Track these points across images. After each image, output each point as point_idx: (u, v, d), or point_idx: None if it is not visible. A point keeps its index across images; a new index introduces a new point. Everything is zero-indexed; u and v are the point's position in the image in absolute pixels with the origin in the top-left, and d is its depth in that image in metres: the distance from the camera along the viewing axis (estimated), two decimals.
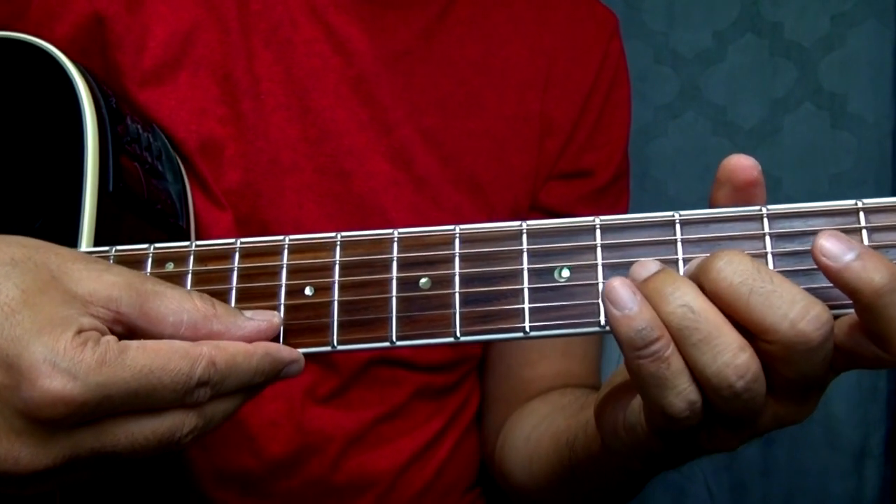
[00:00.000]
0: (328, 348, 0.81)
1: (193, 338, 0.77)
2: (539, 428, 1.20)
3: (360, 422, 1.22)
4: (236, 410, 0.80)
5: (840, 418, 1.93)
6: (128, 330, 0.75)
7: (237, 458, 1.16)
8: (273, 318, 0.81)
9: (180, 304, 0.77)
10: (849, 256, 0.70)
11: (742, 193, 0.80)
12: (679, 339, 0.72)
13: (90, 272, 0.75)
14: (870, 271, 0.69)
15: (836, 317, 0.74)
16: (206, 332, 0.77)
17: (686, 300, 0.72)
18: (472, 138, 1.24)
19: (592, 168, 1.33)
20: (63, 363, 0.69)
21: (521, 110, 1.27)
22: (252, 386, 0.79)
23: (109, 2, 1.11)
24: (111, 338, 0.73)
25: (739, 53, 1.94)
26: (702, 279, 0.73)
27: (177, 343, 0.75)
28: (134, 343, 0.73)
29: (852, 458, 1.94)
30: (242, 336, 0.79)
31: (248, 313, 0.81)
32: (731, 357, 0.72)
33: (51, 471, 0.72)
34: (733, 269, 0.72)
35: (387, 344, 0.80)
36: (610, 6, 1.44)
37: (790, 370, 0.73)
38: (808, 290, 0.74)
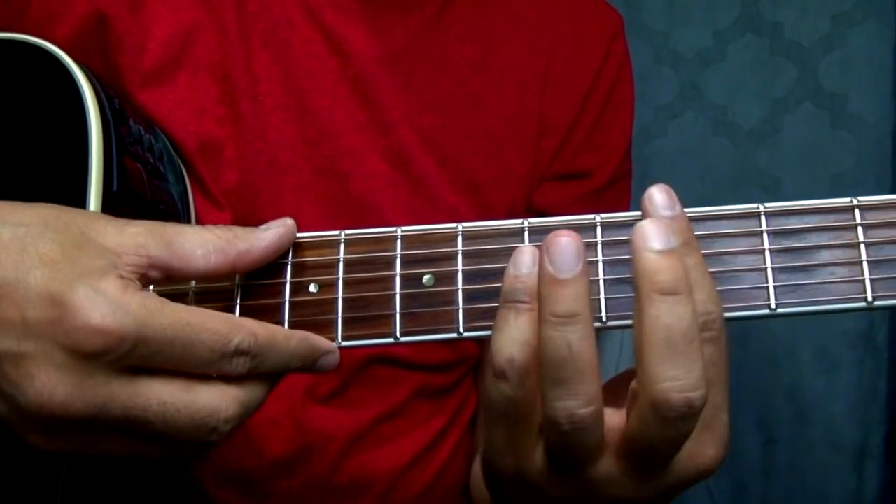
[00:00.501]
0: (333, 345, 0.82)
1: (225, 262, 0.79)
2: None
3: (361, 421, 1.22)
4: (265, 399, 0.80)
5: (840, 418, 1.94)
6: (163, 272, 0.77)
7: (237, 458, 1.16)
8: (287, 222, 0.83)
9: (202, 235, 0.79)
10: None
11: None
12: (542, 363, 0.71)
13: (114, 227, 0.77)
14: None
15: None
16: (235, 252, 0.80)
17: (570, 337, 0.71)
18: (470, 138, 1.24)
19: (590, 169, 1.32)
20: (105, 300, 0.71)
21: (520, 110, 1.27)
22: (287, 371, 0.80)
23: (111, 2, 1.11)
24: (153, 292, 0.75)
25: (739, 53, 1.95)
26: (643, 283, 0.71)
27: (220, 313, 0.76)
28: (176, 304, 0.75)
29: (852, 458, 1.95)
30: (268, 245, 0.81)
31: (264, 226, 0.83)
32: (575, 406, 0.71)
33: (80, 422, 0.73)
34: (673, 309, 0.70)
35: (391, 340, 0.80)
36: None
37: (639, 425, 0.72)
38: (806, 286, 0.75)
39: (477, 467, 1.25)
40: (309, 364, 0.81)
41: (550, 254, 0.71)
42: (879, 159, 1.93)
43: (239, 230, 0.81)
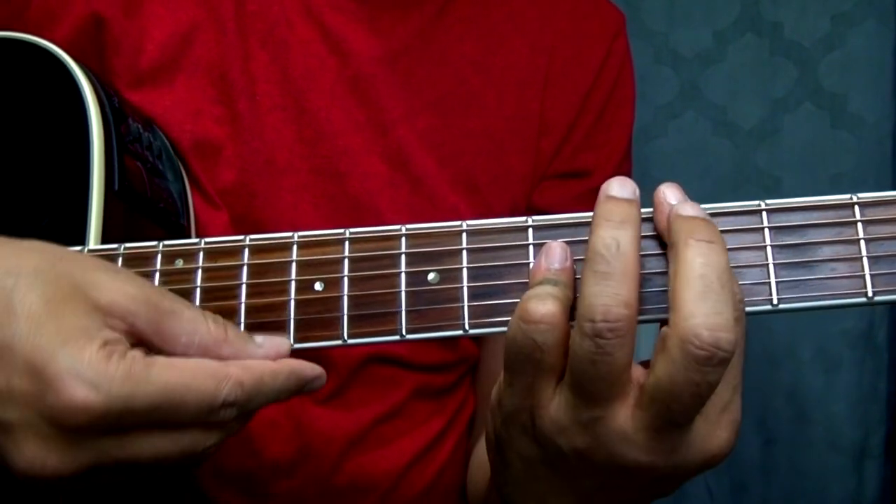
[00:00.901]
0: (339, 342, 0.81)
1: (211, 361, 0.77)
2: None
3: (360, 422, 1.22)
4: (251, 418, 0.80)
5: (840, 418, 1.94)
6: (140, 342, 0.75)
7: (237, 459, 1.16)
8: (282, 346, 0.81)
9: (194, 325, 0.77)
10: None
11: None
12: (588, 259, 0.74)
13: (113, 283, 0.75)
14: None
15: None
16: (216, 356, 0.77)
17: (619, 236, 0.74)
18: (470, 138, 1.24)
19: (590, 168, 1.31)
20: (88, 373, 0.70)
21: (521, 110, 1.27)
22: (275, 402, 0.80)
23: (108, 4, 1.11)
24: (138, 353, 0.73)
25: (739, 53, 1.95)
26: (679, 235, 0.75)
27: (205, 362, 0.75)
28: (161, 359, 0.74)
29: (852, 458, 1.95)
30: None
31: (259, 339, 0.81)
32: (612, 302, 0.72)
33: (75, 476, 0.73)
34: (708, 253, 0.73)
35: (397, 338, 0.80)
36: None
37: (664, 367, 0.72)
38: (807, 282, 0.75)
39: (476, 462, 1.25)
40: (296, 393, 0.80)
41: (607, 185, 0.77)
42: (879, 159, 1.94)
43: (233, 334, 0.79)
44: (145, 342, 0.75)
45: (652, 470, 0.78)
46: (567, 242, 0.80)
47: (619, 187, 0.77)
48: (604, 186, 0.77)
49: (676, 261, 0.74)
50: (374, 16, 1.18)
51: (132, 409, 0.71)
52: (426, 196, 1.19)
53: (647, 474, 0.79)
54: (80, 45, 1.09)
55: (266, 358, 0.79)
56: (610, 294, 0.73)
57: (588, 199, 1.28)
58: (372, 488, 1.22)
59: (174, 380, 0.72)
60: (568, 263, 0.78)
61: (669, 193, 0.79)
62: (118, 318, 0.74)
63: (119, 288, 0.75)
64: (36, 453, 0.71)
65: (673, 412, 0.75)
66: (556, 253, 0.78)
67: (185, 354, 0.76)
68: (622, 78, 1.33)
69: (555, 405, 0.78)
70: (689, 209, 0.77)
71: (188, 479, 1.14)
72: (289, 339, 0.82)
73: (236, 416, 0.76)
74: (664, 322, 0.74)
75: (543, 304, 0.75)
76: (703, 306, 0.71)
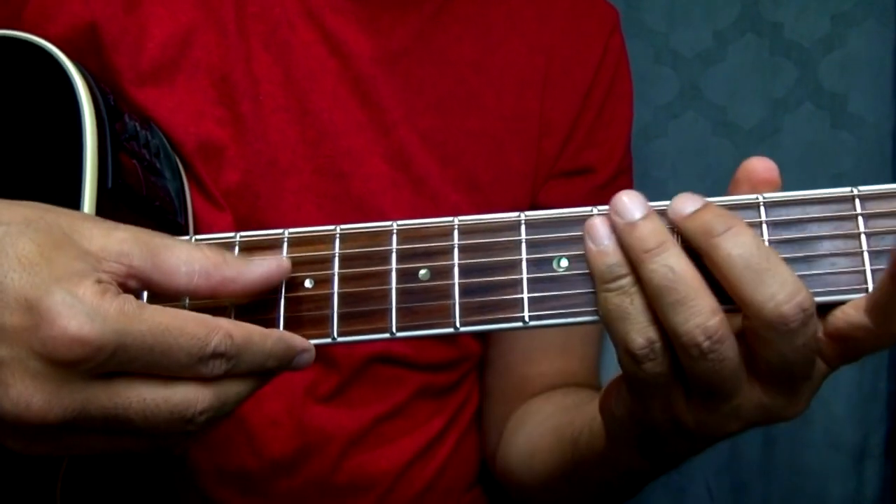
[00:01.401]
0: (328, 340, 0.81)
1: (207, 286, 0.78)
2: (543, 425, 1.21)
3: (361, 421, 1.22)
4: (248, 396, 0.80)
5: (840, 418, 1.93)
6: (142, 284, 0.77)
7: (237, 457, 1.16)
8: (282, 262, 0.82)
9: (190, 254, 0.78)
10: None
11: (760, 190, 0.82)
12: (655, 297, 0.75)
13: (100, 229, 0.76)
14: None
15: (826, 306, 0.76)
16: (219, 278, 0.79)
17: (669, 261, 0.75)
18: (470, 138, 1.24)
19: (593, 165, 1.32)
20: (82, 306, 0.70)
21: (520, 110, 1.27)
22: (264, 371, 0.80)
23: (105, 4, 1.11)
24: (130, 296, 0.73)
25: (739, 53, 1.94)
26: (700, 240, 0.77)
27: (195, 313, 0.76)
28: (153, 304, 0.74)
29: (852, 458, 1.94)
30: (254, 279, 0.80)
31: (257, 259, 0.82)
32: (703, 319, 0.74)
33: (60, 426, 0.72)
34: (735, 241, 0.74)
35: (387, 335, 0.80)
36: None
37: (769, 351, 0.75)
38: (807, 277, 0.75)
39: (525, 451, 1.25)
40: (285, 363, 0.80)
41: (618, 210, 0.78)
42: (879, 159, 1.93)
43: (230, 257, 0.80)
44: (148, 280, 0.76)
45: (801, 405, 0.82)
46: (561, 237, 0.80)
47: (633, 206, 0.78)
48: (616, 207, 0.78)
49: (714, 264, 0.76)
50: (373, 16, 1.18)
51: (125, 346, 0.71)
52: (428, 196, 1.20)
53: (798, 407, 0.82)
54: (76, 44, 1.10)
55: (267, 272, 0.81)
56: (696, 313, 0.74)
57: (593, 196, 1.31)
58: (372, 487, 1.22)
59: (167, 321, 0.73)
60: (614, 236, 0.78)
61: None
62: (113, 260, 0.75)
63: (108, 233, 0.76)
64: (22, 391, 0.71)
65: (797, 374, 0.78)
66: (597, 231, 0.79)
67: (188, 285, 0.77)
68: (619, 74, 1.34)
69: (693, 412, 0.81)
70: (687, 204, 0.80)
71: (184, 478, 1.14)
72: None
73: (225, 371, 0.76)
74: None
75: (642, 337, 0.77)
76: (767, 288, 0.74)
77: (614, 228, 0.78)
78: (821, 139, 1.93)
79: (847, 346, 0.78)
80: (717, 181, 1.96)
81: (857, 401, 1.92)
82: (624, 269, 0.77)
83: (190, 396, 0.75)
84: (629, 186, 1.39)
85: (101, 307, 0.71)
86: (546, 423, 1.20)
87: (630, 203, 0.78)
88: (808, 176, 1.94)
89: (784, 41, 1.93)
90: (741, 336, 0.77)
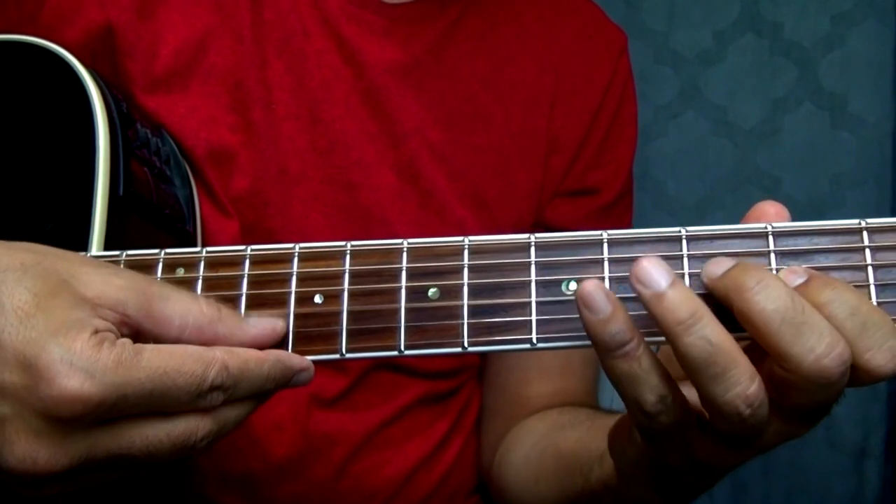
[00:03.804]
0: (337, 356, 0.81)
1: (198, 341, 0.77)
2: (539, 446, 1.21)
3: (366, 426, 1.22)
4: (248, 415, 0.80)
5: (840, 418, 1.94)
6: (134, 332, 0.76)
7: (242, 462, 1.16)
8: (277, 325, 0.82)
9: (186, 307, 0.78)
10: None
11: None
12: (694, 370, 0.73)
13: (98, 276, 0.76)
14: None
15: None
16: (211, 335, 0.78)
17: (704, 332, 0.72)
18: (477, 154, 1.24)
19: (598, 186, 1.32)
20: (80, 362, 0.70)
21: (528, 127, 1.27)
22: (263, 392, 0.80)
23: (121, 9, 1.11)
24: (127, 340, 0.73)
25: (739, 53, 1.95)
26: (731, 295, 0.74)
27: (191, 347, 0.75)
28: (149, 346, 0.74)
29: (852, 458, 1.95)
30: (246, 341, 0.80)
31: (253, 319, 0.81)
32: (743, 389, 0.72)
33: (67, 472, 0.73)
34: (767, 294, 0.71)
35: (395, 353, 0.80)
36: (610, 6, 1.44)
37: (804, 398, 0.74)
38: None
39: (518, 462, 1.25)
40: (283, 383, 0.80)
41: (642, 279, 0.73)
42: (879, 159, 1.93)
43: (227, 313, 0.80)
44: (139, 329, 0.76)
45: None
46: (571, 261, 0.80)
47: (658, 275, 0.73)
48: (640, 276, 0.74)
49: (749, 321, 0.73)
50: (389, 28, 1.18)
51: (125, 396, 0.71)
52: (434, 209, 1.20)
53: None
54: (92, 49, 1.10)
55: (260, 335, 0.80)
56: (736, 383, 0.72)
57: (597, 217, 1.31)
58: (377, 493, 1.22)
59: (163, 364, 0.72)
60: (611, 306, 0.74)
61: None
62: (108, 308, 0.74)
63: (105, 280, 0.75)
64: (27, 448, 0.71)
65: (823, 411, 0.77)
66: (595, 299, 0.74)
67: (180, 337, 0.77)
68: (626, 96, 1.34)
69: (713, 452, 0.81)
70: (718, 267, 0.76)
71: (188, 482, 1.14)
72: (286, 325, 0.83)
73: (224, 401, 0.76)
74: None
75: (653, 395, 0.75)
76: (805, 343, 0.71)
77: (640, 298, 0.74)
78: (821, 139, 1.94)
79: (854, 381, 0.77)
80: (717, 181, 1.97)
81: (857, 401, 1.92)
82: (627, 335, 0.74)
83: (191, 427, 0.75)
84: (630, 208, 1.40)
85: (98, 361, 0.70)
86: (542, 443, 1.20)
87: (654, 271, 0.73)
88: (808, 176, 1.95)
89: (784, 41, 1.93)
90: (769, 379, 0.75)
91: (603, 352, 0.75)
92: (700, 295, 0.74)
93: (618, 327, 0.73)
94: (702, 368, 0.72)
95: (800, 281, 0.74)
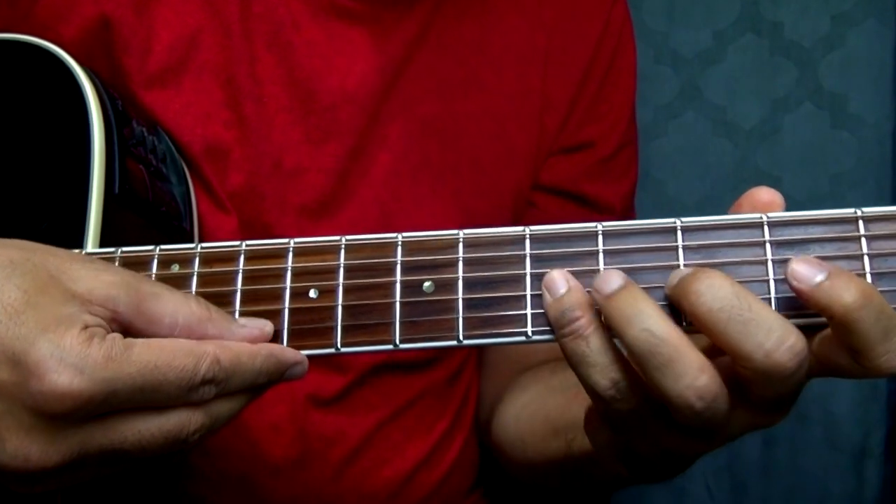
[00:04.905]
0: (331, 350, 0.81)
1: (188, 340, 0.77)
2: (529, 408, 1.20)
3: (364, 427, 1.22)
4: (241, 410, 0.80)
5: (840, 418, 1.93)
6: (124, 329, 0.76)
7: (239, 463, 1.16)
8: (265, 327, 0.82)
9: (177, 305, 0.78)
10: (819, 277, 0.71)
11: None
12: (641, 362, 0.74)
13: (88, 271, 0.76)
14: (839, 289, 0.71)
15: (817, 327, 0.75)
16: (201, 334, 0.78)
17: (648, 324, 0.73)
18: (471, 120, 1.24)
19: (593, 139, 1.30)
20: (70, 358, 0.70)
21: (521, 87, 1.26)
22: (256, 386, 0.80)
23: (117, 4, 1.11)
24: (117, 335, 0.73)
25: (739, 53, 1.95)
26: (681, 299, 0.75)
27: (182, 341, 0.76)
28: (139, 340, 0.74)
29: (852, 458, 1.95)
30: (237, 341, 0.80)
31: (243, 320, 0.82)
32: (692, 380, 0.73)
33: (60, 468, 0.73)
34: (713, 294, 0.73)
35: (390, 347, 0.80)
36: None
37: (765, 391, 0.74)
38: None
39: (518, 415, 1.25)
40: (276, 377, 0.81)
41: (596, 286, 0.76)
42: (879, 159, 1.93)
43: (217, 314, 0.80)
44: (129, 326, 0.75)
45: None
46: (566, 252, 0.80)
47: (608, 282, 0.76)
48: (594, 284, 0.76)
49: (700, 322, 0.74)
50: (376, 16, 1.18)
51: (116, 391, 0.71)
52: (428, 184, 1.20)
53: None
54: (88, 45, 1.10)
55: (249, 336, 0.80)
56: (683, 373, 0.73)
57: (596, 172, 1.30)
58: (375, 493, 1.22)
59: (154, 358, 0.73)
60: (567, 286, 0.77)
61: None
62: (98, 304, 0.74)
63: (95, 275, 0.75)
64: (19, 445, 0.71)
65: (789, 400, 0.78)
66: (554, 282, 0.78)
67: (169, 335, 0.76)
68: (621, 45, 1.32)
69: (678, 440, 0.81)
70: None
71: (181, 482, 1.14)
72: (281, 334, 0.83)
73: (216, 395, 0.76)
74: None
75: (605, 379, 0.77)
76: (753, 338, 0.72)
77: (594, 298, 0.76)
78: (821, 139, 1.94)
79: (827, 368, 0.77)
80: (716, 181, 1.96)
81: (857, 401, 1.92)
82: (577, 313, 0.76)
83: (183, 420, 0.75)
84: (634, 158, 1.39)
85: (88, 356, 0.70)
86: (532, 405, 1.20)
87: (607, 276, 0.76)
88: (809, 176, 1.95)
89: (784, 41, 1.93)
90: (730, 376, 0.76)
91: (556, 330, 0.77)
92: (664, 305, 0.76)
93: (568, 305, 0.76)
94: (646, 359, 0.73)
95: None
